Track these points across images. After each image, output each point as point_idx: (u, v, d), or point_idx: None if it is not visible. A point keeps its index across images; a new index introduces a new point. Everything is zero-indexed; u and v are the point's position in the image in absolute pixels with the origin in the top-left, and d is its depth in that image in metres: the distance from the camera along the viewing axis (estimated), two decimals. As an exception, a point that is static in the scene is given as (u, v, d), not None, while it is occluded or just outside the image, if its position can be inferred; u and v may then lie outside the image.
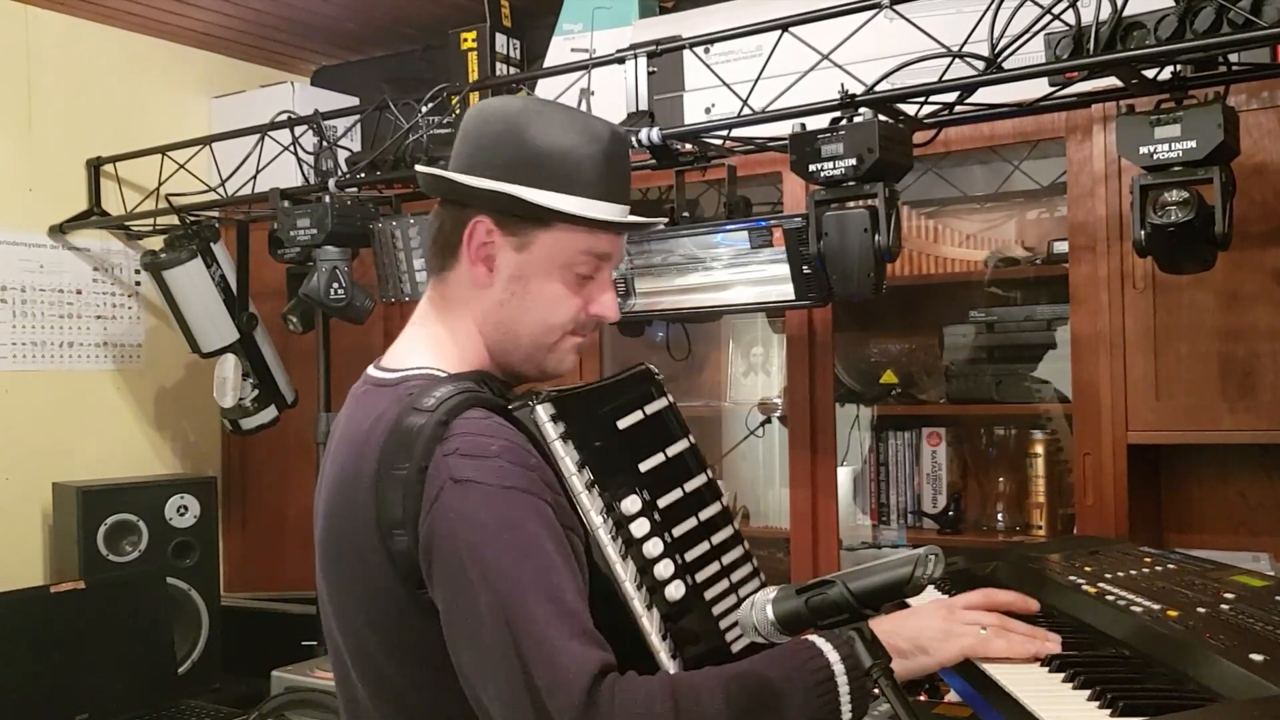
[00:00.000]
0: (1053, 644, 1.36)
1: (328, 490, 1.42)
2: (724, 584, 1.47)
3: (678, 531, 1.45)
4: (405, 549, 1.28)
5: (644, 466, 1.47)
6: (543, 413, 1.36)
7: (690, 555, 1.45)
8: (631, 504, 1.40)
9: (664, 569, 1.39)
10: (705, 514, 1.51)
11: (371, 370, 1.48)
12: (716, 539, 1.51)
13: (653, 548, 1.39)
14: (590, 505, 1.36)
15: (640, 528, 1.39)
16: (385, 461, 1.31)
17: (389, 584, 1.31)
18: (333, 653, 1.46)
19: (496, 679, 1.22)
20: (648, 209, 2.64)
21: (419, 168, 1.49)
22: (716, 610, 1.44)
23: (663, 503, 1.45)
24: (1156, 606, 1.39)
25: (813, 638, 1.27)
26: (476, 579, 1.24)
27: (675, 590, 1.39)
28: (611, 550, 1.35)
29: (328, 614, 1.44)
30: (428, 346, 1.45)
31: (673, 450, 1.53)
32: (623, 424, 1.49)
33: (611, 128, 1.44)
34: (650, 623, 1.34)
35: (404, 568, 1.29)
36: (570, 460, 1.36)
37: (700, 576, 1.45)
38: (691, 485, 1.52)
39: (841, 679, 1.24)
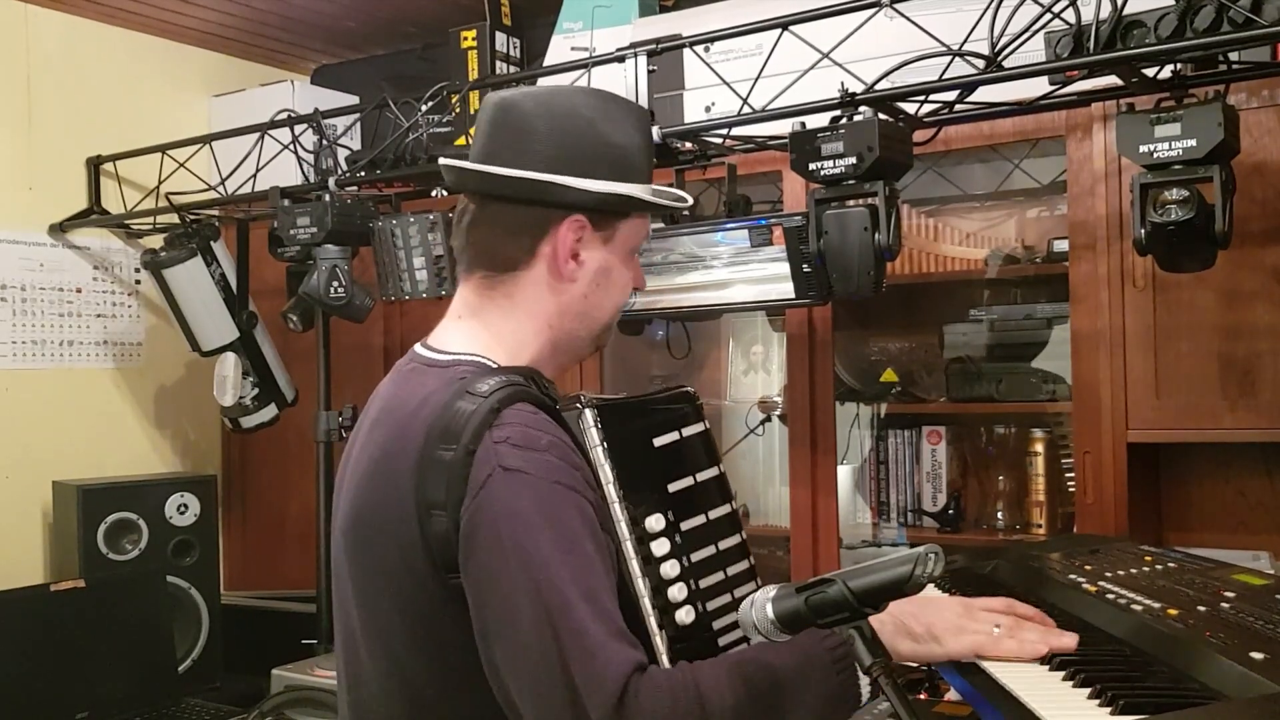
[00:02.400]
0: (1068, 641, 1.36)
1: (362, 465, 1.41)
2: (732, 616, 1.48)
3: (696, 557, 1.46)
4: (442, 531, 1.28)
5: (672, 488, 1.48)
6: (590, 417, 1.39)
7: (704, 583, 1.46)
8: (655, 522, 1.42)
9: (678, 592, 1.41)
10: (724, 544, 1.52)
11: (419, 349, 1.48)
12: (732, 570, 1.52)
13: (670, 569, 1.41)
14: (620, 515, 1.37)
15: (660, 547, 1.41)
16: (431, 441, 1.30)
17: (419, 566, 1.30)
18: (343, 635, 1.45)
19: (533, 670, 1.22)
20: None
21: (477, 166, 1.41)
22: (723, 641, 1.45)
23: (685, 526, 1.47)
24: (1157, 605, 1.39)
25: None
26: (518, 569, 1.23)
27: (686, 615, 1.40)
28: (635, 564, 1.37)
29: (346, 594, 1.42)
30: (483, 337, 1.45)
31: (702, 476, 1.54)
32: (658, 442, 1.51)
33: (645, 111, 1.54)
34: (660, 641, 1.35)
35: (438, 550, 1.29)
36: (608, 468, 1.37)
37: (711, 605, 1.46)
38: (715, 514, 1.53)
39: (862, 654, 1.25)
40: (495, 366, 1.40)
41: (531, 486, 1.26)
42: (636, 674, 1.20)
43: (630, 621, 1.30)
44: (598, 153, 1.40)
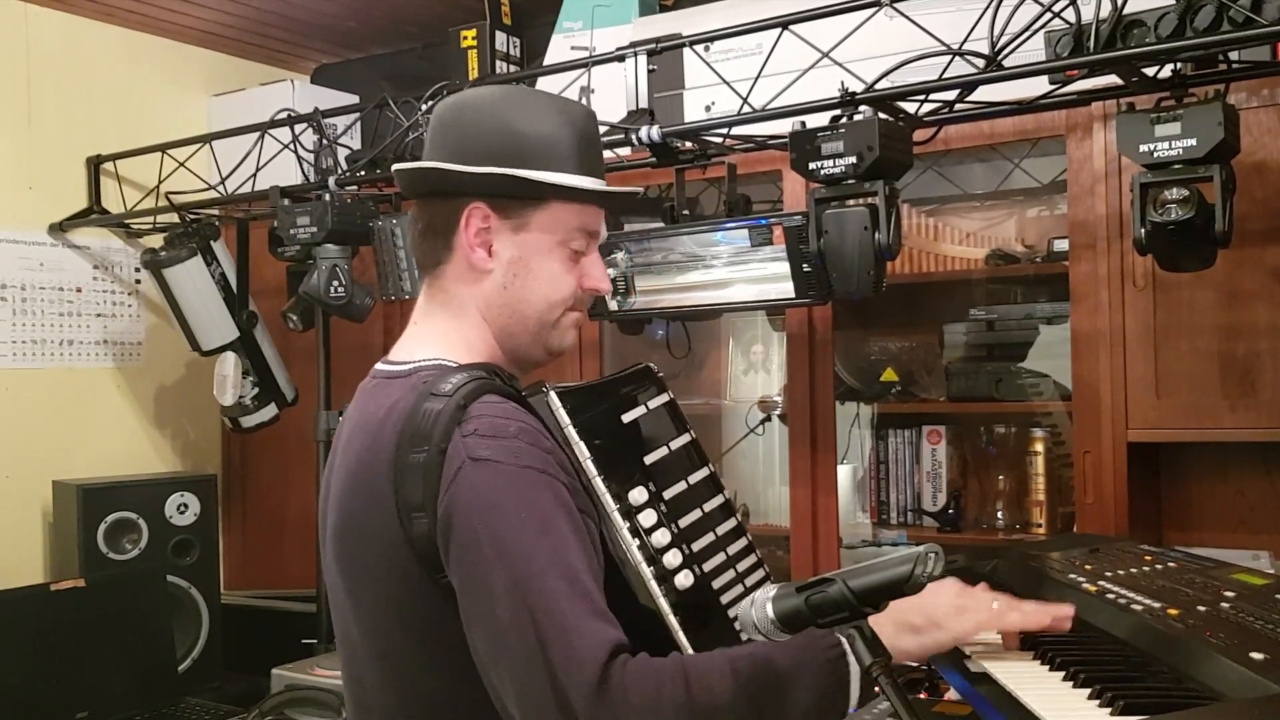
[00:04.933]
0: (1067, 609, 1.37)
1: (341, 481, 1.42)
2: (730, 574, 1.51)
3: (684, 522, 1.49)
4: (425, 532, 1.29)
5: (648, 459, 1.51)
6: (555, 399, 1.41)
7: (697, 546, 1.49)
8: (639, 495, 1.44)
9: (673, 558, 1.44)
10: (709, 506, 1.56)
11: (380, 365, 1.49)
12: (721, 530, 1.55)
13: (660, 537, 1.43)
14: (604, 491, 1.39)
15: (648, 518, 1.43)
16: (403, 447, 1.31)
17: (409, 569, 1.31)
18: (344, 647, 1.46)
19: (511, 656, 1.22)
20: (645, 205, 2.65)
21: (398, 166, 1.49)
22: (724, 599, 1.48)
23: (668, 495, 1.49)
24: (1157, 605, 1.39)
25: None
26: (492, 557, 1.24)
27: (684, 579, 1.43)
28: (627, 535, 1.39)
29: (343, 606, 1.43)
30: (435, 340, 1.46)
31: (675, 444, 1.57)
32: (627, 418, 1.53)
33: (584, 108, 1.49)
34: (666, 606, 1.39)
35: (424, 551, 1.30)
36: (583, 446, 1.40)
37: (707, 566, 1.49)
38: (695, 478, 1.56)
39: (852, 659, 1.24)
40: (456, 365, 1.41)
41: (502, 474, 1.27)
42: (618, 655, 1.20)
43: (627, 599, 1.33)
44: (500, 140, 1.40)
